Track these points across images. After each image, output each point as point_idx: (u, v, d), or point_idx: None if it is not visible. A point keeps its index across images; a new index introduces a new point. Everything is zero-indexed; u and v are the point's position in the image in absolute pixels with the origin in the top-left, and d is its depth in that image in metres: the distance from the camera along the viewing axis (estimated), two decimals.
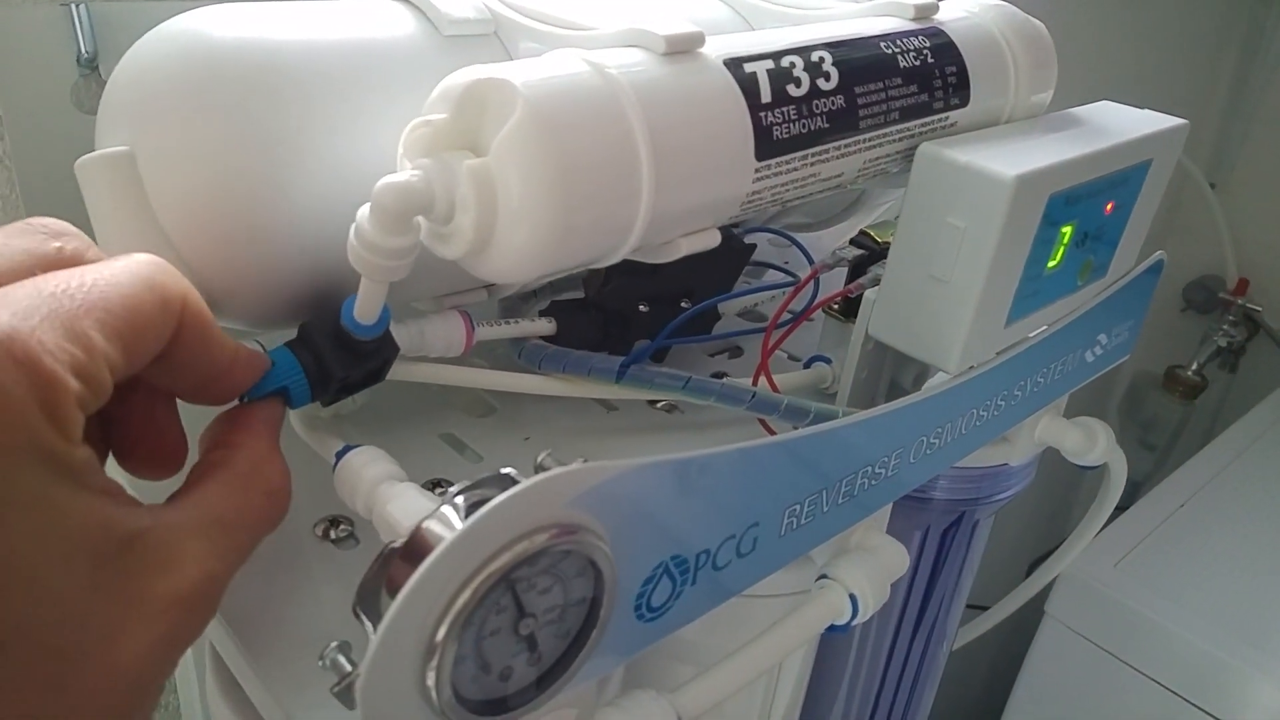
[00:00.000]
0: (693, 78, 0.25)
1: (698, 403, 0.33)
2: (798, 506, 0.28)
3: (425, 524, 0.20)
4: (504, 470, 0.22)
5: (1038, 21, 0.36)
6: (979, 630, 0.61)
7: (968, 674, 1.00)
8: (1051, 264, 0.34)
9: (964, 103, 0.32)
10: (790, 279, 0.38)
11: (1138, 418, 1.14)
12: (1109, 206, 0.35)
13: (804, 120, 0.27)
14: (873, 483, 0.31)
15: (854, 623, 0.31)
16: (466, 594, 0.19)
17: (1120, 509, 0.88)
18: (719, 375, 0.39)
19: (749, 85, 0.26)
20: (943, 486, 0.42)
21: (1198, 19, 1.01)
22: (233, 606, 0.24)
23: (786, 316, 0.35)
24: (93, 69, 0.32)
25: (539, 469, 0.24)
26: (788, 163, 0.27)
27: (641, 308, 0.35)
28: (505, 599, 0.20)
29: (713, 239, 0.27)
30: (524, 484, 0.19)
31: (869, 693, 0.52)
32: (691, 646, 0.33)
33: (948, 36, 0.32)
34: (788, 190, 0.28)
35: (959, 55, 0.32)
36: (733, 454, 0.24)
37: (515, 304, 0.37)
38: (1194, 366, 1.08)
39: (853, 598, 0.31)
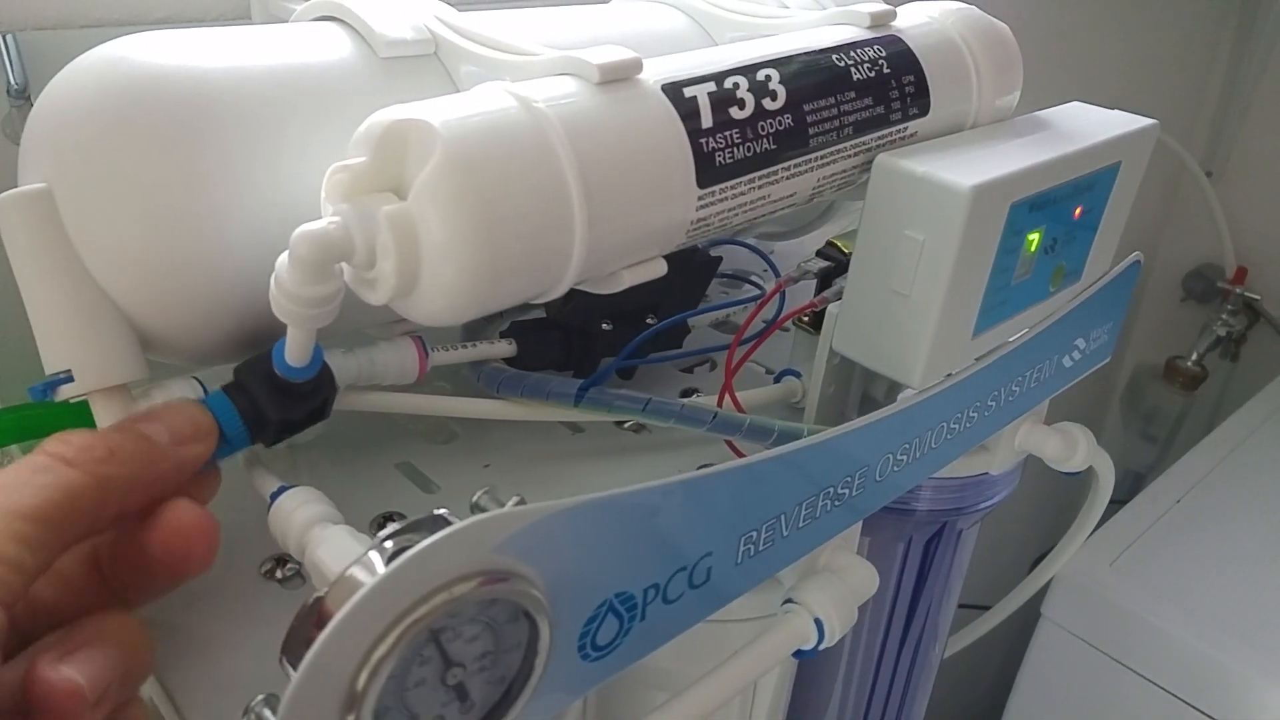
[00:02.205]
0: (628, 106, 0.24)
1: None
2: (755, 533, 0.27)
3: (350, 570, 0.20)
4: (437, 512, 0.21)
5: (1000, 23, 0.35)
6: (974, 635, 0.60)
7: (973, 676, 0.99)
8: (1020, 272, 0.33)
9: (924, 112, 0.31)
10: (759, 292, 0.37)
11: (1139, 410, 1.13)
12: (1078, 211, 0.34)
13: (749, 143, 0.26)
14: (836, 504, 0.30)
15: (821, 647, 0.30)
16: (386, 644, 0.18)
17: (1119, 503, 0.87)
18: (689, 392, 0.39)
19: (688, 111, 0.25)
20: (924, 498, 0.42)
21: (1192, 6, 0.99)
22: (168, 652, 0.24)
23: (756, 329, 0.34)
24: (24, 99, 0.31)
25: (475, 509, 0.23)
26: (733, 188, 0.26)
27: (605, 326, 0.35)
28: (429, 650, 0.19)
29: (658, 268, 0.26)
30: (442, 532, 0.18)
31: (860, 701, 0.51)
32: (665, 674, 0.33)
33: (905, 45, 0.31)
34: (736, 214, 0.27)
35: (917, 64, 0.31)
36: (676, 487, 0.24)
37: (479, 325, 0.36)
38: (1194, 357, 1.07)
39: (818, 622, 0.30)
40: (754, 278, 0.42)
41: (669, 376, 0.40)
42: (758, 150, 0.26)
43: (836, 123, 0.28)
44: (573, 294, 0.34)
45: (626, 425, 0.37)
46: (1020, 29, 0.35)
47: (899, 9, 0.34)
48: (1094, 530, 0.78)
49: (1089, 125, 0.35)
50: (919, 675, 0.49)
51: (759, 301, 0.34)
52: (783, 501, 0.28)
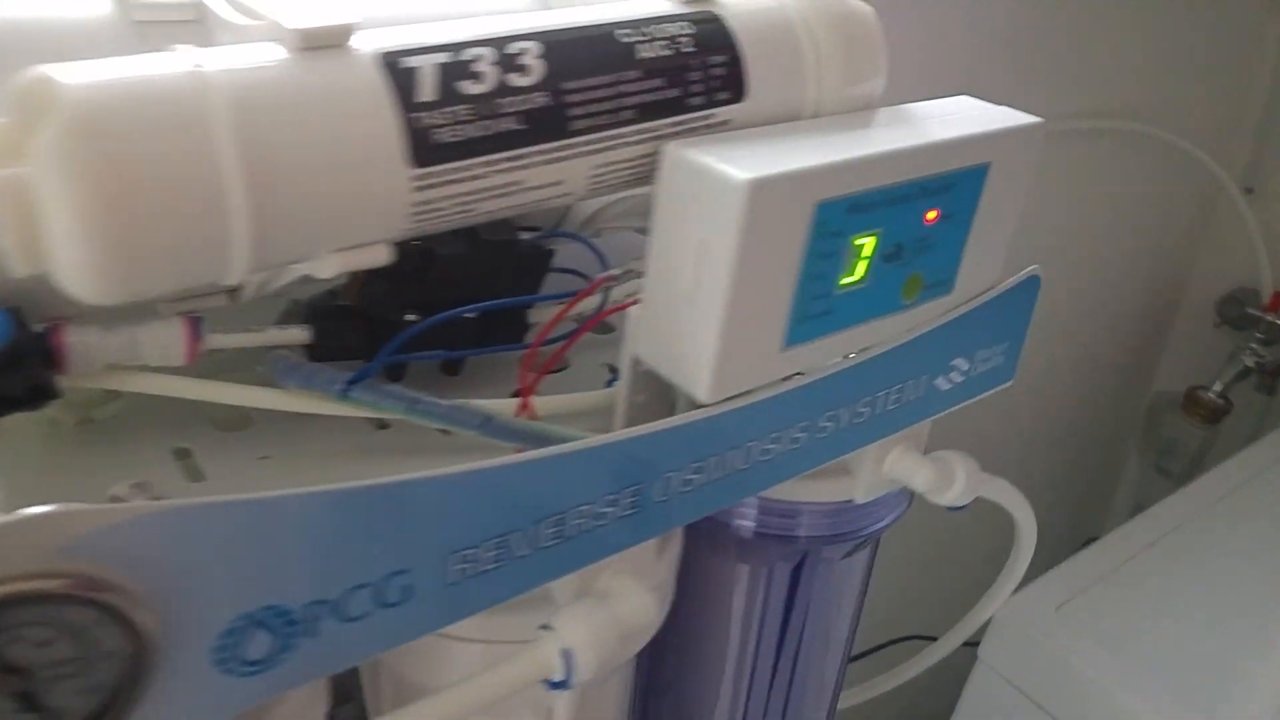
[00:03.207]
0: (325, 76, 0.22)
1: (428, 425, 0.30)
2: (473, 551, 0.25)
3: None
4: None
5: (863, 5, 0.32)
6: (909, 673, 0.57)
7: (921, 713, 0.94)
8: (849, 280, 0.30)
9: (738, 97, 0.28)
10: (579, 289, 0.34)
11: (1156, 442, 1.06)
12: (931, 215, 0.31)
13: (485, 120, 0.24)
14: (599, 523, 0.27)
15: (572, 682, 0.28)
16: None
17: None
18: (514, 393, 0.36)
19: (404, 82, 0.23)
20: (774, 524, 0.39)
21: (1233, 15, 0.92)
22: None
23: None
24: None
25: (113, 500, 0.22)
26: (467, 169, 0.24)
27: (409, 316, 0.33)
28: None
29: (378, 255, 0.24)
30: None
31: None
32: (420, 689, 0.31)
33: (721, 23, 0.28)
34: (482, 200, 0.25)
35: (732, 44, 0.28)
36: (338, 495, 0.21)
37: (298, 308, 0.34)
38: (1217, 388, 0.99)
39: (567, 654, 0.27)
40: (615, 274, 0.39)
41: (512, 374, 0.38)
42: (497, 129, 0.24)
43: (613, 104, 0.26)
44: (370, 279, 0.32)
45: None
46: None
47: None
48: (1049, 570, 0.74)
49: (952, 121, 0.32)
50: (798, 707, 0.46)
51: (569, 301, 0.31)
52: (513, 519, 0.25)
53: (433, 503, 0.23)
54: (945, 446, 0.39)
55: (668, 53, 0.27)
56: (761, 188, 0.25)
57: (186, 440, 0.32)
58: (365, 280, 0.32)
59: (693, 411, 0.28)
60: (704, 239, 0.26)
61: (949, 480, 0.38)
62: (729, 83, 0.28)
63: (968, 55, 0.69)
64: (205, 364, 0.30)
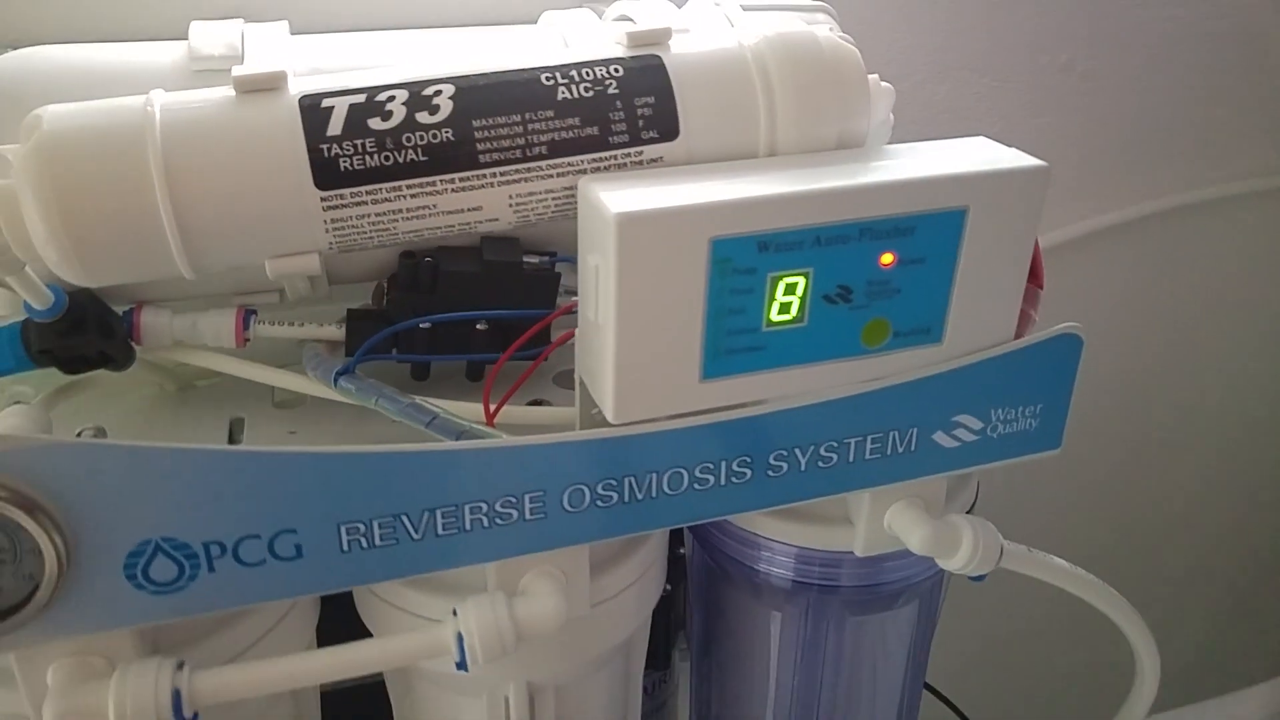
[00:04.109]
0: (252, 113, 0.27)
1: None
2: (361, 525, 0.28)
3: None
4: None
5: (838, 45, 0.31)
6: None
7: None
8: (782, 318, 0.30)
9: (669, 136, 0.30)
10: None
11: None
12: (886, 258, 0.30)
13: (387, 152, 0.27)
14: (501, 522, 0.30)
15: (465, 668, 0.30)
16: None
17: None
18: (540, 401, 0.39)
19: (315, 120, 0.27)
20: (775, 561, 0.38)
21: None
22: None
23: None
24: None
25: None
26: (374, 193, 0.28)
27: (423, 324, 0.37)
28: None
29: (309, 264, 0.29)
30: None
31: None
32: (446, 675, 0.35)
33: (660, 66, 0.30)
34: (400, 220, 0.29)
35: (666, 86, 0.30)
36: (206, 454, 0.26)
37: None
38: None
39: (460, 639, 0.30)
40: None
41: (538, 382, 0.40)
42: (399, 160, 0.28)
43: (523, 140, 0.28)
44: (390, 290, 0.37)
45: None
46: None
47: (717, 20, 0.32)
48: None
49: (924, 163, 0.30)
50: None
51: (540, 321, 0.34)
52: (402, 503, 0.28)
53: (312, 475, 0.27)
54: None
55: (589, 94, 0.29)
56: (632, 221, 0.27)
57: (245, 412, 0.39)
58: (387, 291, 0.37)
59: (594, 430, 0.30)
60: (596, 266, 0.28)
61: (951, 545, 0.35)
62: (657, 122, 0.29)
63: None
64: (291, 351, 0.37)
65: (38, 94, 0.29)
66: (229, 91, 0.27)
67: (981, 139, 0.33)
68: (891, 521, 0.36)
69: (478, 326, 0.37)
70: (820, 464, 0.33)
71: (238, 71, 0.27)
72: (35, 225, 0.26)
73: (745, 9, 0.40)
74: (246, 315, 0.36)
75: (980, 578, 0.37)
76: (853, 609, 0.42)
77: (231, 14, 0.37)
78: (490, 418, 0.34)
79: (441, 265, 0.36)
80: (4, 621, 0.26)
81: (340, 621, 0.37)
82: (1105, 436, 0.76)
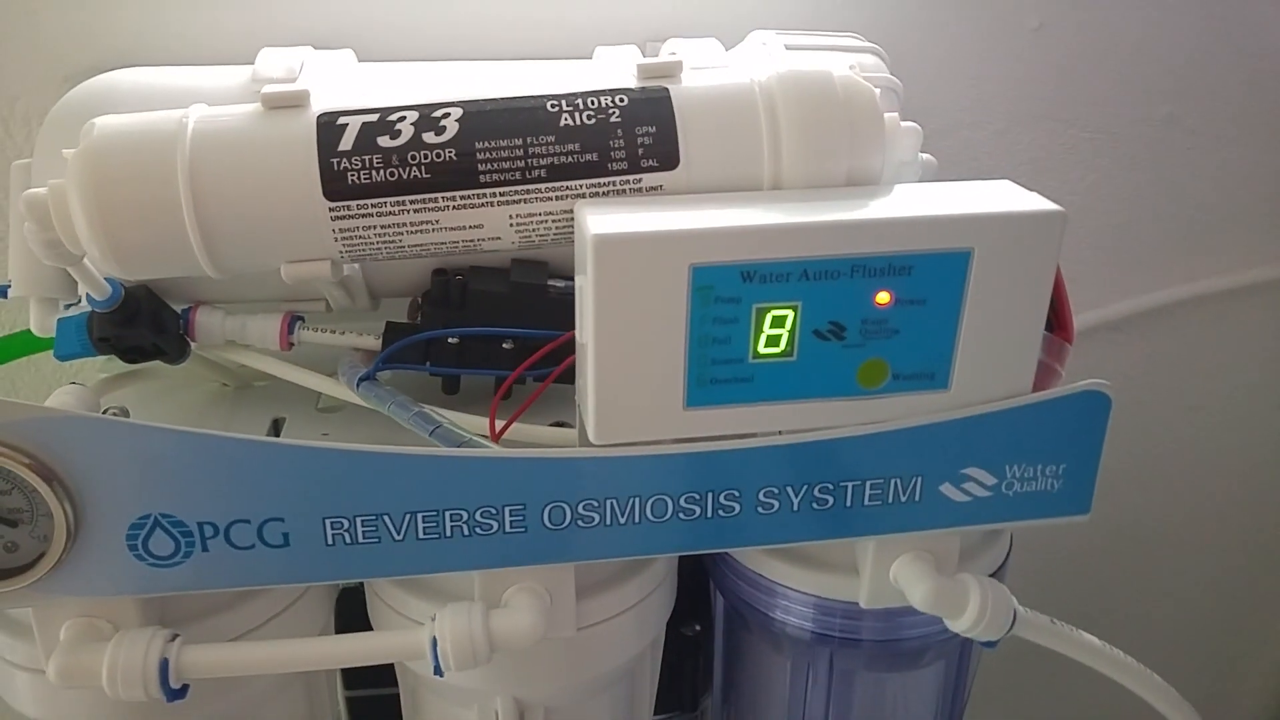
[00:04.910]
0: (274, 128, 0.29)
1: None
2: (344, 520, 0.30)
3: None
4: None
5: (857, 84, 0.31)
6: None
7: None
8: (771, 351, 0.30)
9: (669, 165, 0.30)
10: None
11: None
12: (881, 297, 0.29)
13: (392, 168, 0.29)
14: (482, 532, 0.30)
15: (439, 673, 0.31)
16: None
17: None
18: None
19: (329, 136, 0.29)
20: (785, 606, 0.37)
21: None
22: None
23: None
24: None
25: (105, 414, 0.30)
26: (377, 206, 0.29)
27: (451, 340, 0.39)
28: None
29: (321, 270, 0.30)
30: None
31: None
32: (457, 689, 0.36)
33: (665, 98, 0.30)
34: (404, 234, 0.30)
35: (669, 117, 0.30)
36: (198, 438, 0.28)
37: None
38: None
39: (435, 644, 0.31)
40: None
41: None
42: (404, 176, 0.29)
43: (522, 163, 0.30)
44: (424, 305, 0.39)
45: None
46: None
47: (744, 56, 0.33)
48: None
49: (929, 203, 0.30)
50: None
51: (546, 345, 0.35)
52: (383, 502, 0.30)
53: (295, 467, 0.29)
54: None
55: (591, 121, 0.30)
56: (608, 243, 0.27)
57: (289, 413, 0.41)
58: (421, 305, 0.39)
59: (573, 449, 0.30)
60: (582, 287, 0.29)
61: (957, 605, 0.33)
62: (657, 151, 0.30)
63: None
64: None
65: (114, 112, 0.32)
66: (258, 107, 0.30)
67: (1006, 182, 0.31)
68: (897, 574, 0.34)
69: (504, 345, 0.38)
70: (814, 505, 0.32)
71: (266, 89, 0.30)
72: (79, 222, 0.29)
73: (792, 49, 0.41)
74: (292, 320, 0.38)
75: (992, 644, 0.35)
76: (872, 665, 0.40)
77: (304, 42, 0.40)
78: (495, 433, 0.35)
79: (471, 284, 0.37)
80: (18, 575, 0.28)
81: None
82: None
